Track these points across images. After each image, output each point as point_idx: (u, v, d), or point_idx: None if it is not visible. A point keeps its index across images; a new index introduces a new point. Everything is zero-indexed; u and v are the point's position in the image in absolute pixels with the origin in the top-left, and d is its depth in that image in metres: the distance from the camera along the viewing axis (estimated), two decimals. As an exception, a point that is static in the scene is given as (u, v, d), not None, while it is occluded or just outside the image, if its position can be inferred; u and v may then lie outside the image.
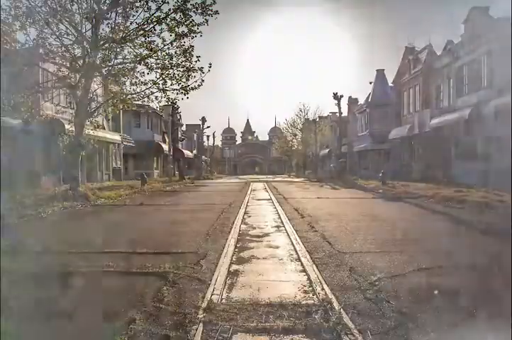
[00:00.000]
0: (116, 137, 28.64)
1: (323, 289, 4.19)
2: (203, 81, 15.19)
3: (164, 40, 14.77)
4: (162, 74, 15.08)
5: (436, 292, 4.05)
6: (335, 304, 3.71)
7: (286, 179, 40.94)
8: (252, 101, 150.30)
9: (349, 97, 35.99)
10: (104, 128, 25.87)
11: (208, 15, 14.48)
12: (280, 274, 4.86)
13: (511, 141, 16.50)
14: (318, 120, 48.22)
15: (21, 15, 13.54)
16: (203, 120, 46.49)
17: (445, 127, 23.03)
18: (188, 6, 14.28)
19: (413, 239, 7.10)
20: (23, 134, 18.75)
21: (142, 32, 14.54)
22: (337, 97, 34.48)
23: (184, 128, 56.81)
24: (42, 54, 14.26)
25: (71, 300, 3.98)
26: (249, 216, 10.31)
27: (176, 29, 14.57)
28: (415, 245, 6.47)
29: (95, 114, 15.78)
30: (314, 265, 5.14)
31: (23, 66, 13.98)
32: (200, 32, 14.76)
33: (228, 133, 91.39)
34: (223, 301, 3.90)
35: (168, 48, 14.86)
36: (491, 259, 5.42)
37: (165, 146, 37.98)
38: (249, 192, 19.63)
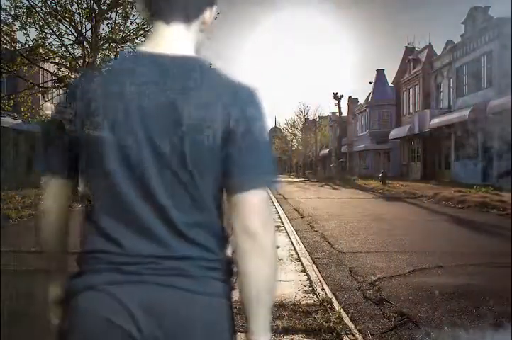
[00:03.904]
0: (116, 137, 28.68)
1: (322, 289, 4.19)
2: (203, 81, 15.18)
3: (164, 40, 14.79)
4: (162, 74, 15.08)
5: (436, 292, 4.05)
6: (335, 304, 3.71)
7: (285, 179, 40.95)
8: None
9: (349, 97, 36.01)
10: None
11: (208, 15, 14.48)
12: (280, 274, 4.86)
13: (511, 141, 16.51)
14: (318, 120, 48.25)
15: (21, 15, 13.55)
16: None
17: (445, 127, 23.04)
18: (189, 5, 14.30)
19: (413, 238, 7.10)
20: (23, 134, 18.77)
21: (142, 32, 14.54)
22: (337, 97, 34.53)
23: (184, 128, 56.87)
24: (42, 54, 14.26)
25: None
26: (249, 216, 10.30)
27: (177, 29, 14.58)
28: (415, 245, 6.47)
29: (95, 114, 15.77)
30: (314, 265, 5.14)
31: (23, 66, 13.98)
32: (200, 32, 14.77)
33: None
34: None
35: (168, 48, 14.89)
36: (492, 258, 5.42)
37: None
38: (249, 192, 19.60)
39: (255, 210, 0.94)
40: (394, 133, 31.30)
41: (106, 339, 0.90)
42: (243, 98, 0.97)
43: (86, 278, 0.96)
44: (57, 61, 14.86)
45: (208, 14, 1.05)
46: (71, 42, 14.41)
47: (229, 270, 0.98)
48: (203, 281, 0.92)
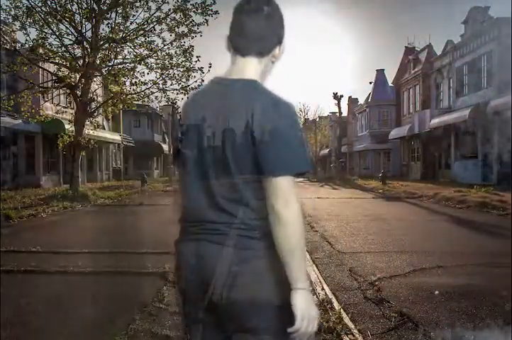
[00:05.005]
0: (116, 137, 28.64)
1: (322, 289, 4.19)
2: (203, 81, 15.17)
3: (164, 40, 14.81)
4: (162, 74, 15.08)
5: (436, 292, 4.05)
6: (335, 304, 3.71)
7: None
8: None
9: (349, 97, 35.90)
10: (104, 128, 25.88)
11: (208, 15, 14.48)
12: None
13: (511, 141, 16.51)
14: (318, 120, 48.20)
15: (21, 15, 13.55)
16: (203, 120, 46.43)
17: (445, 127, 23.03)
18: (188, 6, 14.30)
19: (413, 238, 7.10)
20: (23, 134, 18.76)
21: (142, 32, 14.55)
22: (337, 97, 34.47)
23: (184, 128, 56.75)
24: (42, 54, 14.26)
25: (71, 300, 3.98)
26: (249, 216, 10.28)
27: (176, 29, 14.58)
28: (415, 245, 6.47)
29: (95, 114, 15.78)
30: (314, 265, 5.14)
31: (23, 66, 13.98)
32: (200, 32, 14.77)
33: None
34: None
35: (168, 48, 14.90)
36: (492, 258, 5.42)
37: (165, 146, 37.99)
38: (249, 192, 19.56)
39: (278, 193, 1.24)
40: (394, 133, 31.29)
41: (180, 282, 1.42)
42: (275, 109, 1.27)
43: (177, 238, 1.43)
44: (57, 61, 14.85)
45: (277, 50, 1.41)
46: (71, 42, 14.41)
47: (263, 232, 1.28)
48: (236, 239, 1.28)
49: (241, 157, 1.26)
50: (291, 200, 1.24)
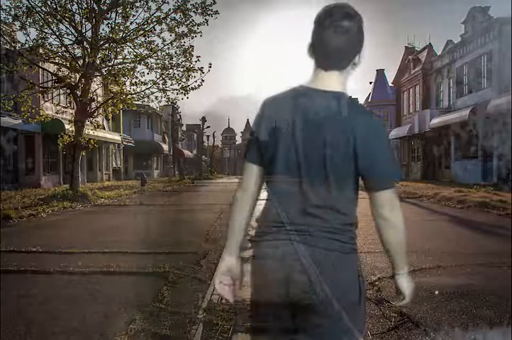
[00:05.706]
0: (116, 137, 28.64)
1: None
2: (203, 81, 15.18)
3: (164, 40, 14.80)
4: (162, 74, 15.07)
5: (436, 292, 4.05)
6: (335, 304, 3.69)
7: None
8: (252, 101, 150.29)
9: (350, 97, 35.87)
10: (104, 128, 25.86)
11: (208, 15, 14.49)
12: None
13: (511, 141, 16.50)
14: (318, 120, 48.07)
15: (21, 15, 13.54)
16: (203, 120, 46.46)
17: (445, 127, 23.03)
18: (188, 6, 14.30)
19: (413, 238, 7.09)
20: (23, 134, 18.76)
21: (142, 32, 14.54)
22: (337, 97, 34.45)
23: (184, 128, 56.78)
24: (42, 54, 14.25)
25: (71, 300, 3.98)
26: (249, 216, 10.27)
27: (176, 29, 14.58)
28: (415, 245, 6.46)
29: (95, 114, 15.77)
30: (314, 265, 5.13)
31: (23, 66, 13.98)
32: (200, 32, 14.78)
33: (228, 133, 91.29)
34: (223, 301, 3.89)
35: (168, 48, 14.89)
36: (492, 258, 5.42)
37: (165, 146, 37.99)
38: (249, 192, 19.53)
39: (386, 203, 1.43)
40: (394, 133, 31.26)
41: (261, 281, 1.47)
42: (369, 123, 1.39)
43: (257, 238, 1.48)
44: (57, 61, 14.84)
45: (357, 58, 1.45)
46: (71, 42, 14.40)
47: (350, 236, 1.44)
48: (321, 240, 1.39)
49: (338, 166, 1.35)
50: (396, 206, 1.45)
